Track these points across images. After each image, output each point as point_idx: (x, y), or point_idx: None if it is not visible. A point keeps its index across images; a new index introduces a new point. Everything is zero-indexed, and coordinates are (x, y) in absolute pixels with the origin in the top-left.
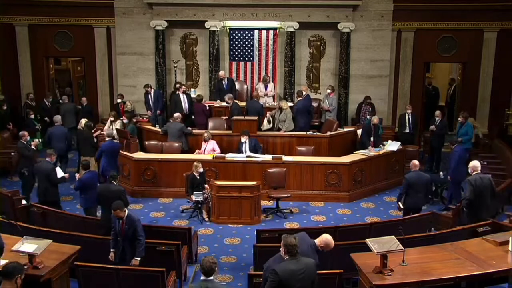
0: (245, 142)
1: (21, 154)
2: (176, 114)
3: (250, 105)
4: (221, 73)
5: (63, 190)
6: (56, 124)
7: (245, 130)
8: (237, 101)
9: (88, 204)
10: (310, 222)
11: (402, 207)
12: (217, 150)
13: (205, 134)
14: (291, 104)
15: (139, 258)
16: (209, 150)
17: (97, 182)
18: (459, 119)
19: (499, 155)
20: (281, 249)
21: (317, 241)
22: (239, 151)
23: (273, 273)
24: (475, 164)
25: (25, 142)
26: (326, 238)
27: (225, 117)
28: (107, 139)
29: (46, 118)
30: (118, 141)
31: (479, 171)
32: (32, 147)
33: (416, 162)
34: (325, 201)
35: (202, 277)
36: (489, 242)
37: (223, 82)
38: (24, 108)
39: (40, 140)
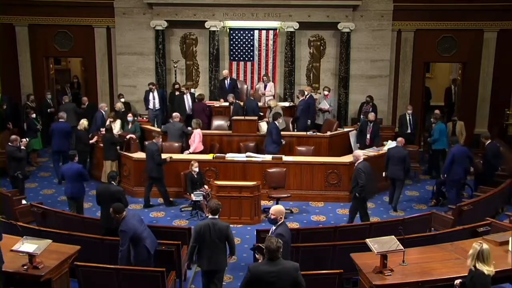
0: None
1: (12, 157)
2: (175, 114)
3: (247, 104)
4: (225, 72)
5: (63, 190)
6: (60, 120)
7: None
8: (237, 101)
9: (66, 192)
10: (310, 222)
11: (384, 175)
12: (197, 140)
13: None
14: (287, 104)
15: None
16: (199, 141)
17: (76, 173)
18: (431, 120)
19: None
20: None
21: (271, 216)
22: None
23: (281, 236)
24: (358, 153)
25: (15, 146)
26: (274, 209)
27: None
28: (60, 120)
29: (49, 110)
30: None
31: (362, 159)
32: (22, 147)
33: (400, 138)
34: (325, 201)
35: (210, 216)
36: (489, 242)
37: (225, 82)
38: (24, 109)
39: (27, 139)
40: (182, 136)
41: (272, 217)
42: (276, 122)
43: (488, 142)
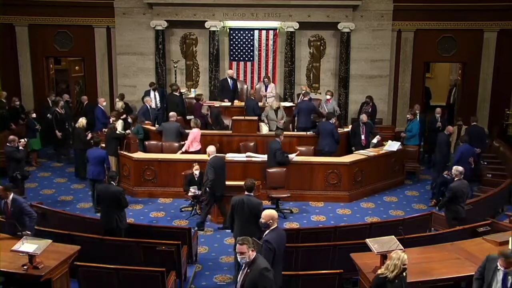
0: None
1: (11, 158)
2: (171, 113)
3: (248, 103)
4: (230, 71)
5: (62, 190)
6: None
7: None
8: (236, 101)
9: (89, 174)
10: (310, 222)
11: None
12: (189, 139)
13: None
14: (287, 104)
15: (29, 232)
16: (191, 140)
17: (98, 157)
18: (407, 116)
19: (499, 155)
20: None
21: (262, 220)
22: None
23: (267, 243)
24: (211, 149)
25: (13, 147)
26: (265, 213)
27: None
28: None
29: (48, 115)
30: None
31: (216, 154)
32: (20, 147)
33: (449, 126)
34: (325, 201)
35: (246, 193)
36: (489, 242)
37: (229, 81)
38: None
39: (26, 140)
40: (178, 136)
41: (263, 221)
42: (331, 122)
43: (473, 124)
